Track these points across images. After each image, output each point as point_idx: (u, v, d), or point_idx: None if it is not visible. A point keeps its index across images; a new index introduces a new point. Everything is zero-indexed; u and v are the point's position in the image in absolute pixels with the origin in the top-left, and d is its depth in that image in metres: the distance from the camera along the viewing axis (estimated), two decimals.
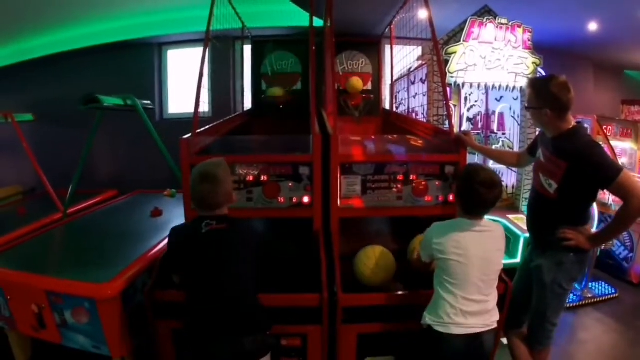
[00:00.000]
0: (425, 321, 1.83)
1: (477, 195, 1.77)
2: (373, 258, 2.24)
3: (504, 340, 2.33)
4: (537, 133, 2.33)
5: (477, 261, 1.76)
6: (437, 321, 1.78)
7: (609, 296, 3.79)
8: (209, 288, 1.77)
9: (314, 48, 2.81)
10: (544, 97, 2.00)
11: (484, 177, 1.77)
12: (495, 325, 1.83)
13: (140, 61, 5.45)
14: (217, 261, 1.77)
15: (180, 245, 1.85)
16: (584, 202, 2.05)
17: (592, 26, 4.72)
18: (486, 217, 1.88)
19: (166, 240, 2.81)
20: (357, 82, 4.18)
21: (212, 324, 1.75)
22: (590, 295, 3.73)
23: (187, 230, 1.87)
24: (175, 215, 3.43)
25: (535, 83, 2.12)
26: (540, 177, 2.12)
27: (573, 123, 2.02)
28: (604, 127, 4.40)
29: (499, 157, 2.85)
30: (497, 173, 1.86)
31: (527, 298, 2.21)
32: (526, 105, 2.17)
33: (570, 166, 1.93)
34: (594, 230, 2.48)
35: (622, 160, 4.44)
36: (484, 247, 1.80)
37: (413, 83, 4.31)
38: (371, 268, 2.21)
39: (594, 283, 3.91)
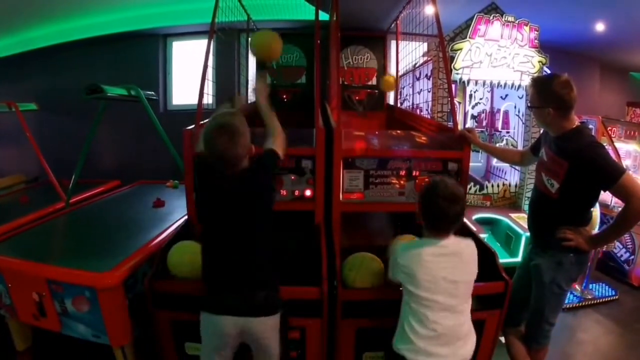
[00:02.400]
0: (395, 347, 1.76)
1: (437, 210, 1.67)
2: (353, 269, 2.16)
3: (502, 339, 2.33)
4: (541, 132, 2.31)
5: (443, 284, 1.66)
6: (406, 347, 1.71)
7: (609, 298, 3.78)
8: (221, 242, 1.76)
9: (319, 42, 2.80)
10: (546, 96, 1.98)
11: (445, 190, 1.68)
12: (469, 357, 1.74)
13: (145, 52, 5.45)
14: (233, 218, 1.74)
15: (203, 179, 1.84)
16: (585, 203, 2.04)
17: (600, 27, 4.69)
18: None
19: (167, 232, 2.85)
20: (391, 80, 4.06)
21: (226, 277, 1.76)
22: (590, 297, 3.72)
23: (208, 175, 1.81)
24: (177, 206, 3.43)
25: (538, 82, 2.10)
26: (542, 177, 2.11)
27: (576, 123, 2.01)
28: (609, 128, 4.38)
29: (502, 155, 2.85)
30: (459, 186, 1.77)
31: (526, 297, 2.21)
32: (529, 104, 2.16)
33: (572, 166, 1.92)
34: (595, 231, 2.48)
35: (627, 163, 4.41)
36: (450, 269, 1.68)
37: (418, 79, 4.30)
38: (355, 278, 2.14)
39: (594, 284, 3.90)
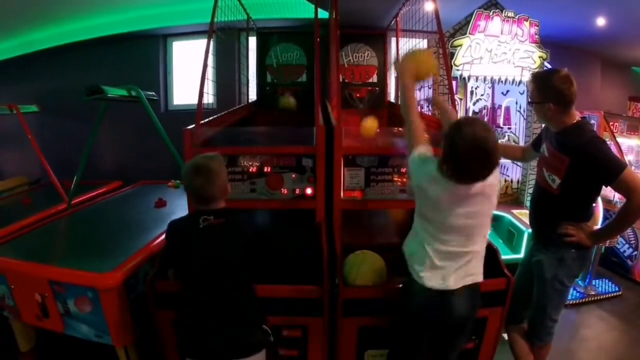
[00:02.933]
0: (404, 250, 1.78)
1: (458, 166, 1.51)
2: (354, 267, 2.17)
3: (505, 336, 2.32)
4: (542, 127, 2.30)
5: (460, 219, 1.62)
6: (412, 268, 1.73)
7: (612, 294, 3.77)
8: (204, 282, 1.75)
9: (318, 40, 2.79)
10: (546, 91, 1.98)
11: (470, 139, 1.45)
12: (476, 281, 1.71)
13: (145, 53, 5.44)
14: (214, 256, 1.73)
15: (177, 241, 1.81)
16: (587, 198, 2.04)
17: (600, 21, 4.66)
18: None
19: None
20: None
21: (207, 318, 1.74)
22: (593, 293, 3.71)
23: (185, 225, 1.84)
24: (179, 206, 3.44)
25: (538, 77, 2.09)
26: (544, 172, 2.10)
27: (577, 118, 2.00)
28: (611, 123, 4.36)
29: (503, 151, 2.82)
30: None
31: (529, 293, 2.20)
32: (529, 99, 2.15)
33: (574, 161, 1.91)
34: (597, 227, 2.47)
35: (629, 158, 4.39)
36: (469, 207, 1.62)
37: None
38: (356, 276, 2.14)
39: (597, 280, 3.89)
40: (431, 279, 1.69)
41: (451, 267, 1.68)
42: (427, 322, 1.78)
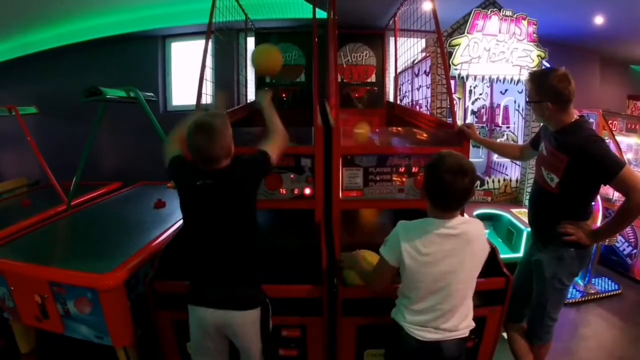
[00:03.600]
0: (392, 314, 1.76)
1: (442, 185, 1.54)
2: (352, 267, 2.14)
3: (504, 335, 2.33)
4: (541, 126, 2.31)
5: (444, 267, 1.58)
6: (399, 317, 1.70)
7: (612, 292, 3.77)
8: (202, 237, 1.80)
9: (317, 40, 2.80)
10: (544, 90, 1.98)
11: (451, 163, 1.53)
12: (461, 335, 1.67)
13: (144, 54, 5.45)
14: (209, 216, 1.76)
15: (179, 182, 1.86)
16: (586, 197, 2.04)
17: (599, 20, 4.66)
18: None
19: (168, 232, 2.85)
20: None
21: (207, 272, 1.80)
22: (593, 291, 3.71)
23: (185, 174, 1.82)
24: (179, 207, 3.42)
25: (535, 76, 2.09)
26: (542, 171, 2.11)
27: (575, 116, 2.00)
28: (610, 122, 4.36)
29: (502, 150, 2.84)
30: (470, 162, 1.60)
31: (528, 292, 2.21)
32: (527, 99, 2.15)
33: (572, 160, 1.91)
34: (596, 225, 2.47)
35: (628, 156, 4.40)
36: (453, 253, 1.59)
37: (417, 75, 4.28)
38: (355, 276, 2.12)
39: (597, 279, 3.89)
40: (419, 331, 1.65)
41: (439, 323, 1.63)
42: None
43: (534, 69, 3.58)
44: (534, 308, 2.19)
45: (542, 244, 2.13)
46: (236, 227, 1.79)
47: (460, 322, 1.65)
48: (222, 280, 1.80)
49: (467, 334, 1.69)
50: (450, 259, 1.59)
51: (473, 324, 1.70)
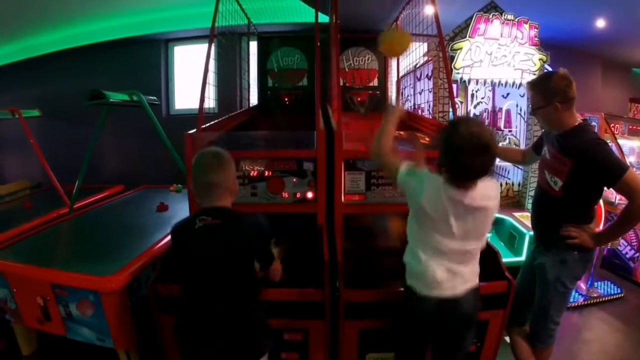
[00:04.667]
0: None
1: (458, 163, 1.50)
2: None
3: (507, 339, 2.32)
4: (543, 130, 2.31)
5: (459, 231, 1.61)
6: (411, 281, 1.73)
7: (615, 296, 3.76)
8: (202, 286, 1.66)
9: (319, 44, 2.80)
10: (550, 92, 1.99)
11: (468, 140, 1.46)
12: (474, 286, 1.71)
13: (147, 57, 5.48)
14: (209, 258, 1.62)
15: (177, 243, 1.74)
16: (589, 200, 2.04)
17: (600, 23, 4.67)
18: None
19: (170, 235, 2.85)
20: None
21: (206, 322, 1.65)
22: (595, 295, 3.70)
23: (184, 225, 1.72)
24: (181, 210, 3.45)
25: (538, 83, 2.11)
26: (546, 175, 2.11)
27: (579, 120, 2.01)
28: (612, 125, 4.35)
29: (504, 154, 2.84)
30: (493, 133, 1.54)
31: (530, 296, 2.20)
32: (533, 107, 2.14)
33: (576, 163, 1.92)
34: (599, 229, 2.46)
35: (630, 159, 4.39)
36: (470, 221, 1.61)
37: (419, 79, 4.29)
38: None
39: (599, 282, 3.88)
40: (432, 289, 1.68)
41: (450, 278, 1.67)
42: (431, 327, 1.77)
43: (532, 78, 3.59)
44: (536, 312, 2.18)
45: (545, 248, 2.13)
46: (236, 276, 1.67)
47: (473, 276, 1.72)
48: (224, 331, 1.65)
49: (477, 282, 1.73)
50: (466, 225, 1.62)
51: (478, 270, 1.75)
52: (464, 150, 1.48)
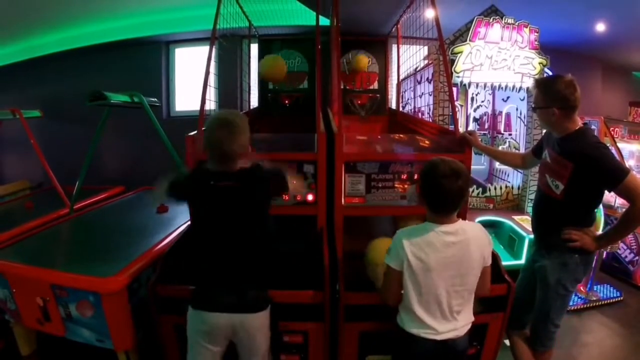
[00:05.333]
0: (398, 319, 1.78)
1: (438, 188, 1.61)
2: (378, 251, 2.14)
3: (506, 342, 2.32)
4: (543, 133, 2.32)
5: (441, 271, 1.63)
6: (408, 325, 1.72)
7: (614, 299, 3.76)
8: (216, 241, 1.78)
9: (320, 47, 2.81)
10: (551, 96, 2.00)
11: (444, 168, 1.61)
12: (468, 328, 1.73)
13: (148, 59, 5.48)
14: (227, 218, 1.75)
15: (190, 195, 1.84)
16: (590, 203, 2.05)
17: (600, 27, 4.69)
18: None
19: (171, 237, 2.86)
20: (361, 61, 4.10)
21: (217, 274, 1.79)
22: (595, 298, 3.70)
23: (202, 182, 1.78)
24: (181, 212, 3.44)
25: (542, 83, 2.12)
26: (547, 178, 2.12)
27: (580, 124, 2.02)
28: (612, 128, 4.37)
29: (504, 158, 2.85)
30: (461, 164, 1.66)
31: (530, 299, 2.21)
32: (533, 105, 2.16)
33: (577, 167, 1.93)
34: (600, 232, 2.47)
35: (630, 163, 4.40)
36: (451, 255, 1.64)
37: (419, 82, 4.30)
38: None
39: (599, 286, 3.88)
40: (432, 335, 1.68)
41: (442, 325, 1.68)
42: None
43: (540, 76, 3.59)
44: (537, 314, 2.18)
45: (546, 250, 2.14)
46: (255, 228, 1.80)
47: (467, 317, 1.73)
48: (236, 284, 1.78)
49: (470, 325, 1.75)
50: (451, 264, 1.64)
51: (473, 318, 1.76)
52: (442, 176, 1.60)
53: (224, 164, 1.75)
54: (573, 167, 1.94)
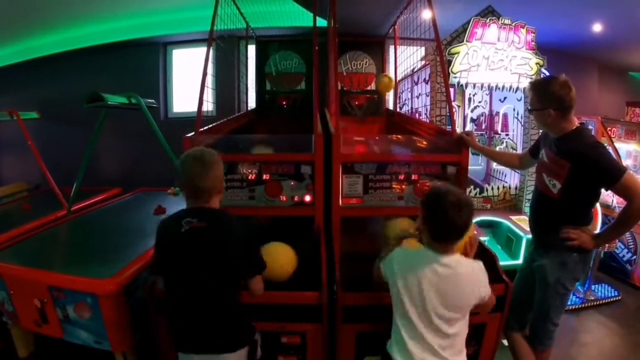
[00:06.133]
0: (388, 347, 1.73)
1: (444, 219, 1.54)
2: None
3: (504, 342, 2.33)
4: (540, 134, 2.33)
5: (433, 299, 1.57)
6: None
7: (612, 299, 3.77)
8: (186, 295, 1.70)
9: (317, 48, 2.82)
10: (547, 97, 2.01)
11: (452, 198, 1.54)
12: None
13: (146, 60, 5.49)
14: (194, 266, 1.66)
15: (161, 242, 1.75)
16: (588, 202, 2.07)
17: (597, 27, 4.70)
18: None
19: None
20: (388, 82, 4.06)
21: (191, 334, 1.70)
22: (592, 298, 3.71)
23: (171, 225, 1.72)
24: None
25: (537, 85, 2.13)
26: (544, 178, 2.12)
27: (576, 124, 2.03)
28: (609, 128, 4.39)
29: (501, 158, 2.86)
30: (467, 194, 1.66)
31: (528, 298, 2.22)
32: (529, 107, 2.18)
33: (574, 166, 1.94)
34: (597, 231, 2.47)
35: (627, 162, 4.42)
36: (444, 289, 1.58)
37: (416, 83, 4.32)
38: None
39: (596, 285, 3.89)
40: None
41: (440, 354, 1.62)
42: None
43: (535, 78, 3.61)
44: (536, 314, 2.19)
45: (544, 250, 2.14)
46: (221, 276, 1.70)
47: (459, 354, 1.66)
48: (208, 328, 1.71)
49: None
50: (440, 296, 1.58)
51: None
52: (451, 206, 1.52)
53: (197, 199, 1.71)
54: (570, 166, 1.95)
